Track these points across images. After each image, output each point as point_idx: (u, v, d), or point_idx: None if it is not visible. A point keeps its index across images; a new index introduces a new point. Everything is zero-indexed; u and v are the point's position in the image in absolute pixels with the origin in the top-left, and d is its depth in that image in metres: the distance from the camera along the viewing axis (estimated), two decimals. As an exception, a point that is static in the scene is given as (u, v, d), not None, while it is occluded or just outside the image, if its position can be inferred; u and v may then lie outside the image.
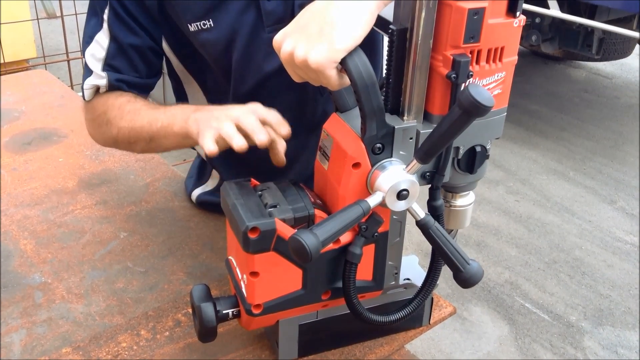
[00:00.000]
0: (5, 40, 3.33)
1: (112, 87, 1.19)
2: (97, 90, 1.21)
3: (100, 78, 1.18)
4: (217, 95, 1.24)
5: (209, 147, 0.96)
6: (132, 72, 1.18)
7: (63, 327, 1.07)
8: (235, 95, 1.18)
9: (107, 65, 1.17)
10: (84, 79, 1.22)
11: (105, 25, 1.15)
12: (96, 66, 1.18)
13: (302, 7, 1.05)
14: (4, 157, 1.59)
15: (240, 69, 1.14)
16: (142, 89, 1.23)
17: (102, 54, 1.16)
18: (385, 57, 1.22)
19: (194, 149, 1.39)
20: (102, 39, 1.16)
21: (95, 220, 1.35)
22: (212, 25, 1.09)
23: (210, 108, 1.04)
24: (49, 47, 3.88)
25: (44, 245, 1.27)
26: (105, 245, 1.27)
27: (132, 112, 1.15)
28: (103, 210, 1.39)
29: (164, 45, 1.18)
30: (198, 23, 1.09)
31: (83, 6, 1.90)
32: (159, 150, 1.19)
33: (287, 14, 1.08)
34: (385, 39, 1.20)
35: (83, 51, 1.19)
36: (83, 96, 1.24)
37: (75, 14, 3.20)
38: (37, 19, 3.59)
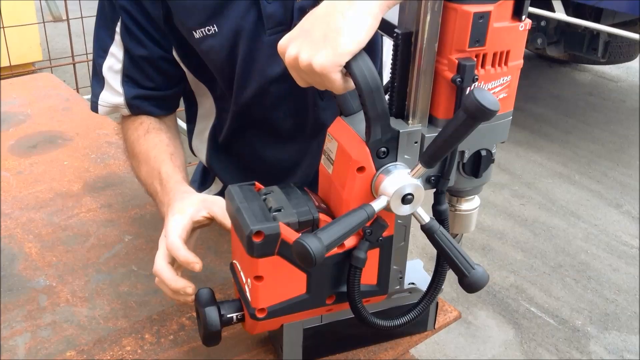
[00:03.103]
0: (12, 43, 3.34)
1: (130, 107, 1.20)
2: (115, 108, 1.22)
3: (117, 95, 1.19)
4: (224, 102, 1.24)
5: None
6: (148, 82, 1.19)
7: (67, 331, 1.07)
8: (236, 102, 1.18)
9: (126, 77, 1.18)
10: (97, 91, 1.22)
11: (117, 37, 1.15)
12: (115, 80, 1.19)
13: (301, 10, 1.06)
14: (9, 160, 1.60)
15: (243, 74, 1.14)
16: (163, 103, 1.23)
17: (118, 65, 1.17)
18: (384, 60, 1.23)
19: (195, 154, 1.40)
20: (116, 51, 1.17)
21: (100, 224, 1.35)
22: (217, 30, 1.09)
23: (168, 215, 1.02)
24: (55, 51, 3.90)
25: (48, 248, 1.27)
26: (109, 249, 1.27)
27: (137, 157, 1.18)
28: (108, 213, 1.39)
29: (175, 55, 1.18)
30: (203, 29, 1.09)
31: (89, 9, 1.91)
32: None
33: (287, 17, 1.09)
34: (386, 43, 1.21)
35: (100, 66, 1.20)
36: (95, 109, 1.24)
37: (81, 17, 3.21)
38: (43, 22, 3.61)
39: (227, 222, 0.94)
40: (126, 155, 1.27)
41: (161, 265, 0.96)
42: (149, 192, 1.17)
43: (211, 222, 0.99)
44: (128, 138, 1.22)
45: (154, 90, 1.20)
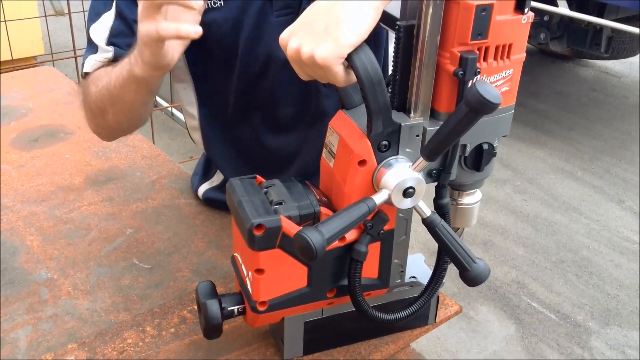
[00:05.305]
0: (14, 37, 3.34)
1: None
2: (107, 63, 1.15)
3: (106, 52, 1.14)
4: (211, 101, 1.22)
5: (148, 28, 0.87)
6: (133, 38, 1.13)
7: (69, 324, 1.07)
8: (239, 82, 1.16)
9: (111, 44, 1.13)
10: (87, 55, 1.17)
11: (114, 5, 1.12)
12: (101, 41, 1.14)
13: None
14: (11, 154, 1.60)
15: (248, 52, 1.13)
16: None
17: (106, 33, 1.13)
18: (391, 53, 1.23)
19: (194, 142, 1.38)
20: (108, 18, 1.13)
21: (102, 217, 1.35)
22: (223, 4, 1.09)
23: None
24: (57, 45, 3.90)
25: (50, 241, 1.27)
26: (111, 242, 1.28)
27: (103, 75, 1.10)
28: (109, 207, 1.39)
29: None
30: (209, 1, 1.09)
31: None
32: (125, 110, 1.11)
33: (295, 2, 1.09)
34: (391, 36, 1.21)
35: (87, 28, 1.16)
36: (83, 73, 1.19)
37: (83, 11, 3.20)
38: (45, 16, 3.60)
39: None
40: (85, 94, 1.16)
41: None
42: (111, 84, 1.07)
43: None
44: (99, 72, 1.14)
45: None
